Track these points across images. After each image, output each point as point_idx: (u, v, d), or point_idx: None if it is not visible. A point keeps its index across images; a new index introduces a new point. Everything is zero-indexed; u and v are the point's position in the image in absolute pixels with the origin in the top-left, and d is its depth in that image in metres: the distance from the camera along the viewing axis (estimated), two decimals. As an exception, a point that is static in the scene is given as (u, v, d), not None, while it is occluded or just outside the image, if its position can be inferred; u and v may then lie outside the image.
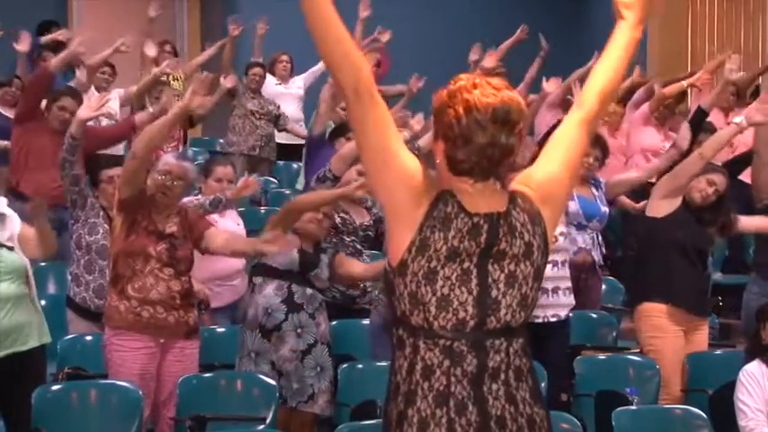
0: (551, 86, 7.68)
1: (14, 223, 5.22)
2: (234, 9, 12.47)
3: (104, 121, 8.11)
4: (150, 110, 7.62)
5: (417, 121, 7.00)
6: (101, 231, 5.87)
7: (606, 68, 2.86)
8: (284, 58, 10.39)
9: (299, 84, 10.38)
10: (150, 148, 5.32)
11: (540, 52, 9.88)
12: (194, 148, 10.81)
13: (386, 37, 9.82)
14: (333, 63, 2.64)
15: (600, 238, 6.73)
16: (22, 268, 5.12)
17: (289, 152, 10.15)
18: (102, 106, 6.12)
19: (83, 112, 6.05)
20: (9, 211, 5.23)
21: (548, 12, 12.99)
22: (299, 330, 5.53)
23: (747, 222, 6.24)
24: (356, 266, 5.84)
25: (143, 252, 5.18)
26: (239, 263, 6.25)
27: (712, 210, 5.91)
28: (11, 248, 5.11)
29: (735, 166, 7.33)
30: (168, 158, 5.48)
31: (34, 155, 7.25)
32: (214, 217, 6.03)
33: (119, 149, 8.20)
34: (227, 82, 9.09)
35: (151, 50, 8.81)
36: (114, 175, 5.80)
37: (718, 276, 8.28)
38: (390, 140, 2.67)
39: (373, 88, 2.66)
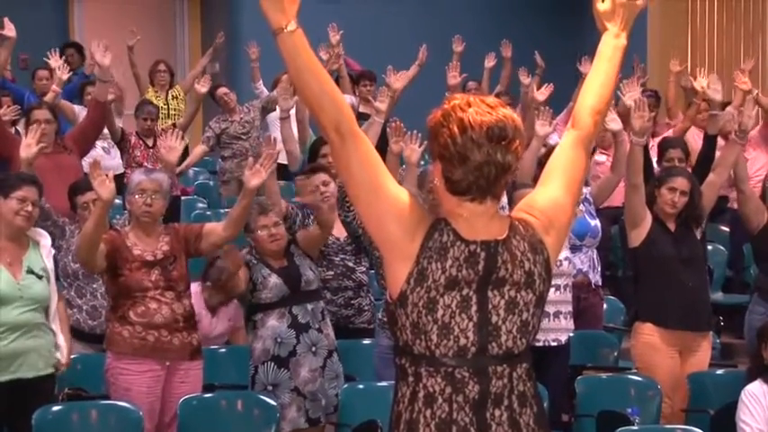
0: (542, 96, 7.67)
1: (51, 254, 5.30)
2: (234, 25, 12.55)
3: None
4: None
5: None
6: None
7: (596, 84, 2.87)
8: (285, 78, 10.37)
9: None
10: (89, 248, 5.12)
11: (536, 70, 9.94)
12: (195, 169, 10.83)
13: (336, 37, 9.71)
14: (314, 105, 2.63)
15: (597, 256, 6.72)
16: (46, 299, 5.18)
17: (287, 172, 10.13)
18: (39, 140, 6.02)
19: (23, 152, 5.92)
20: (46, 242, 5.30)
21: (546, 23, 13.03)
22: (313, 349, 5.53)
23: (742, 174, 6.49)
24: (315, 231, 5.81)
25: (139, 286, 5.19)
26: None
27: (690, 209, 5.96)
28: (40, 277, 5.14)
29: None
30: (137, 177, 5.43)
31: None
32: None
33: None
34: (202, 87, 9.10)
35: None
36: (89, 200, 5.74)
37: (719, 296, 8.27)
38: (377, 176, 2.65)
39: (355, 126, 2.64)
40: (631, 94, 6.77)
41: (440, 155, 2.67)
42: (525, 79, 9.02)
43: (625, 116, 6.24)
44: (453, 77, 8.75)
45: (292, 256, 5.68)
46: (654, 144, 8.09)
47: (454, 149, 2.63)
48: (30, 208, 5.15)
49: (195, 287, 6.08)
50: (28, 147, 5.93)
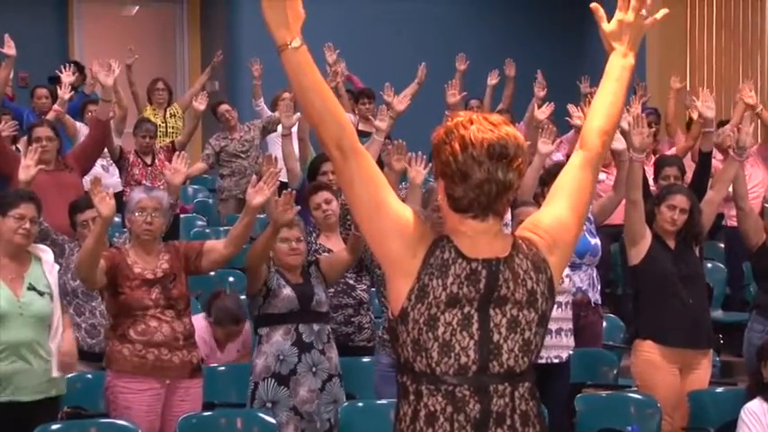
0: (542, 114, 7.68)
1: (54, 269, 5.29)
2: (233, 43, 12.58)
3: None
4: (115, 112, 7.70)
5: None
6: None
7: (604, 105, 2.87)
8: (286, 95, 10.40)
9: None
10: (89, 265, 5.12)
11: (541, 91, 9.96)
12: (194, 186, 10.84)
13: (332, 57, 9.84)
14: (317, 121, 2.64)
15: (596, 275, 6.72)
16: (47, 316, 5.16)
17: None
18: (38, 161, 6.06)
19: (22, 173, 5.97)
20: (49, 257, 5.29)
21: (548, 41, 13.08)
22: (313, 369, 5.51)
23: (741, 191, 6.48)
24: (341, 255, 5.82)
25: (140, 304, 5.18)
26: None
27: (689, 227, 5.97)
28: (42, 294, 5.14)
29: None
30: (137, 195, 5.43)
31: None
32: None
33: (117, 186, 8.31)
34: (200, 104, 9.11)
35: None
36: (88, 218, 5.76)
37: (718, 314, 8.26)
38: (379, 192, 2.66)
39: (357, 142, 2.65)
40: (634, 109, 6.80)
41: (442, 172, 2.68)
42: (540, 92, 9.08)
43: (627, 134, 6.25)
44: (452, 96, 8.76)
45: (309, 276, 5.67)
46: (650, 162, 8.11)
47: (455, 167, 2.63)
48: (28, 225, 5.15)
49: (201, 322, 6.09)
50: (27, 168, 5.94)
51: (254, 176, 5.66)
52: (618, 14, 2.89)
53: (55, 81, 9.39)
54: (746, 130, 6.62)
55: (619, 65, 2.89)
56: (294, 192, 5.53)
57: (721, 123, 8.73)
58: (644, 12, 2.89)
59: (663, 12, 2.97)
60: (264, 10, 2.61)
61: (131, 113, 9.97)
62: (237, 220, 5.51)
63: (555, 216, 2.77)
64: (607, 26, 2.91)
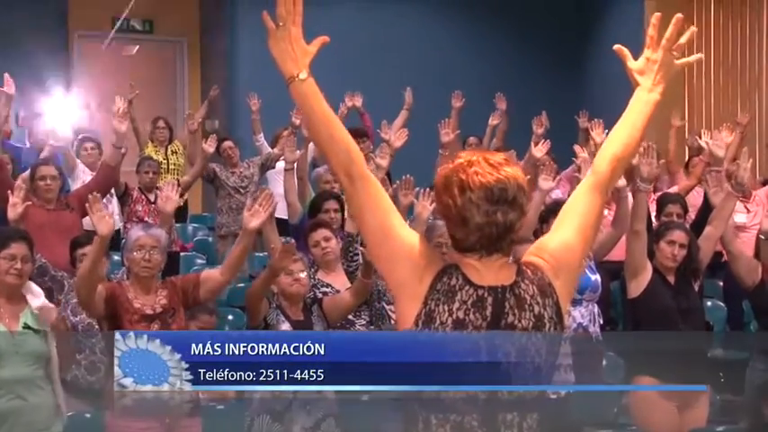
0: (539, 152, 7.69)
1: (47, 308, 5.31)
2: (233, 79, 12.64)
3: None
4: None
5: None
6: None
7: (621, 134, 2.87)
8: (286, 133, 10.42)
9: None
10: (87, 286, 5.15)
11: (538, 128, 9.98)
12: (194, 225, 10.84)
13: (358, 101, 10.15)
14: (325, 148, 2.70)
15: (598, 310, 6.70)
16: (44, 353, 5.15)
17: (284, 227, 10.14)
18: (23, 197, 6.09)
19: (10, 213, 5.99)
20: (37, 302, 5.28)
21: (546, 77, 13.14)
22: (307, 407, 5.49)
23: (728, 237, 6.49)
24: (345, 297, 5.81)
25: None
26: None
27: (688, 262, 5.98)
28: (38, 332, 5.13)
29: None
30: (135, 233, 5.45)
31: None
32: None
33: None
34: (209, 146, 9.13)
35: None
36: (87, 252, 5.76)
37: (719, 352, 8.23)
38: (388, 217, 2.69)
39: (365, 169, 2.70)
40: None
41: (443, 215, 2.70)
42: (539, 129, 9.09)
43: (628, 170, 6.27)
44: (446, 135, 8.68)
45: (311, 314, 5.66)
46: (653, 199, 8.11)
47: (455, 211, 2.64)
48: (19, 265, 5.14)
49: None
50: (14, 207, 5.94)
51: (250, 200, 5.67)
52: (646, 52, 2.89)
53: None
54: (745, 166, 6.63)
55: (643, 99, 2.89)
56: (294, 243, 5.53)
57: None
58: (675, 52, 2.88)
59: (697, 56, 2.98)
60: (271, 47, 2.69)
61: (132, 150, 9.98)
62: (234, 245, 5.50)
63: (560, 240, 2.77)
64: (633, 64, 2.91)
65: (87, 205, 5.18)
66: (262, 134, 10.20)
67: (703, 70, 12.24)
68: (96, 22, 13.49)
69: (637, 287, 5.93)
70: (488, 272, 2.67)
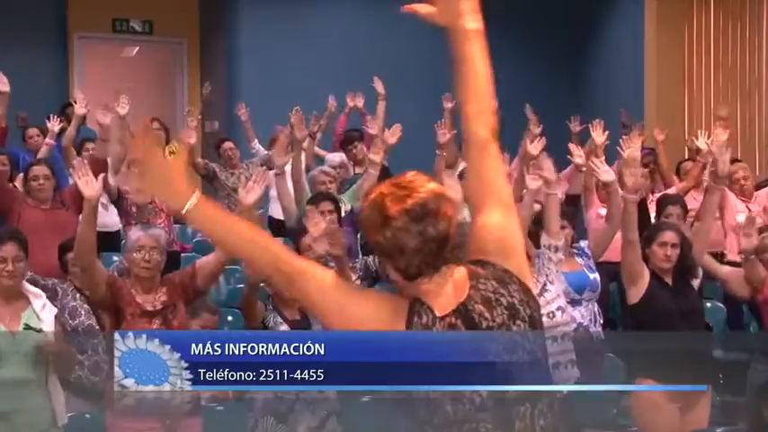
0: (534, 149, 7.70)
1: (47, 307, 5.28)
2: (234, 82, 12.62)
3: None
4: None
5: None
6: (82, 313, 5.84)
7: (469, 89, 2.79)
8: (281, 136, 10.39)
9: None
10: (85, 252, 5.20)
11: (529, 124, 9.97)
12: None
13: (360, 102, 10.14)
14: (247, 257, 2.73)
15: (598, 309, 6.70)
16: (43, 354, 5.12)
17: (283, 228, 10.14)
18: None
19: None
20: (38, 302, 5.26)
21: (543, 77, 13.14)
22: (311, 407, 5.50)
23: (712, 266, 6.48)
24: None
25: None
26: None
27: (682, 261, 5.99)
28: (39, 331, 5.13)
29: None
30: (135, 234, 5.46)
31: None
32: None
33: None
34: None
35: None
36: None
37: (719, 353, 8.23)
38: (336, 293, 2.63)
39: (294, 261, 2.64)
40: (630, 150, 6.79)
41: (379, 252, 2.65)
42: (535, 128, 9.10)
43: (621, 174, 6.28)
44: (443, 135, 8.69)
45: (307, 314, 5.66)
46: (653, 200, 8.11)
47: (387, 245, 2.59)
48: (10, 267, 5.13)
49: None
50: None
51: (244, 179, 5.68)
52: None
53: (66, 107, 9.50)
54: (724, 159, 6.67)
55: (465, 37, 2.81)
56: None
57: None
58: None
59: None
60: (150, 192, 2.67)
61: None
62: None
63: (491, 223, 2.70)
64: (426, 9, 2.90)
65: (72, 170, 5.22)
66: (256, 141, 10.22)
67: (703, 71, 12.25)
68: (96, 23, 13.49)
69: (636, 293, 5.94)
70: (446, 292, 2.61)
